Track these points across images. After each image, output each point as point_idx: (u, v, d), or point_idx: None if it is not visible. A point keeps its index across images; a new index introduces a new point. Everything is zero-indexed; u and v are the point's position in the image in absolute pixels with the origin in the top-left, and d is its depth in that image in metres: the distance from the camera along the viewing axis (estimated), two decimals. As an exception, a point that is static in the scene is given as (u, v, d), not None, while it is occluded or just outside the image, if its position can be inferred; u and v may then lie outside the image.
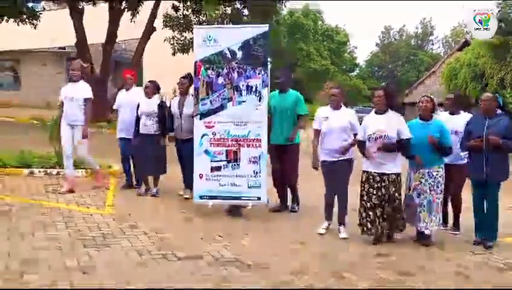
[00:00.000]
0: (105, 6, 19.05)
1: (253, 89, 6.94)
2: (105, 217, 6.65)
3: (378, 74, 69.31)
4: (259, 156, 6.97)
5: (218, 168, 7.08)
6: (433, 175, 6.05)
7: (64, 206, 7.02)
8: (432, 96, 6.24)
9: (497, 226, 6.19)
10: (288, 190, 7.66)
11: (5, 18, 17.76)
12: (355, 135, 6.38)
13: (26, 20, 18.19)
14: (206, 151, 7.10)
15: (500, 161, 6.03)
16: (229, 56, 7.02)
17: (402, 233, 6.26)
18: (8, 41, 24.36)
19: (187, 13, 19.76)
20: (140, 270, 4.84)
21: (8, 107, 25.12)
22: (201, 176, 7.12)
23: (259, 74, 6.94)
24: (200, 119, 7.14)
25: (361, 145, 6.16)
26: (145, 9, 18.89)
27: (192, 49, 18.51)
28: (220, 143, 7.06)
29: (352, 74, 62.49)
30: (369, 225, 6.06)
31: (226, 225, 6.66)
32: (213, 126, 7.09)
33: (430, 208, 6.05)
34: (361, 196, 6.15)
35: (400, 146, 6.00)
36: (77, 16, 17.99)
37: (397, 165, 6.08)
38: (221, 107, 7.07)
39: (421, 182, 6.08)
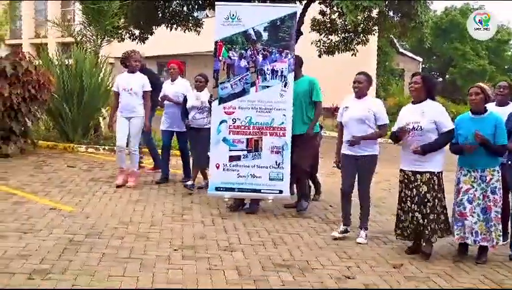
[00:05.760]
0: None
1: (279, 74, 6.53)
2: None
3: (547, 74, 64.32)
4: (283, 146, 6.57)
5: (237, 158, 6.65)
6: (485, 179, 5.23)
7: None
8: (483, 86, 5.38)
9: None
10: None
11: (174, 26, 20.65)
12: (380, 126, 5.78)
13: (192, 28, 20.93)
14: (225, 139, 6.67)
15: None
16: (254, 37, 6.57)
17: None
18: (176, 45, 27.82)
19: (334, 17, 20.99)
20: (262, 221, 6.52)
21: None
22: (218, 166, 6.71)
23: (285, 57, 6.53)
24: (219, 104, 6.69)
25: (394, 135, 5.54)
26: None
27: (338, 51, 20.07)
28: (241, 131, 6.63)
29: (514, 74, 58.96)
30: (403, 232, 5.52)
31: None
32: (233, 112, 6.63)
33: (485, 218, 5.23)
34: (399, 197, 5.56)
35: (442, 143, 5.28)
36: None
37: (435, 162, 5.28)
38: (243, 92, 6.61)
39: (473, 187, 5.27)
